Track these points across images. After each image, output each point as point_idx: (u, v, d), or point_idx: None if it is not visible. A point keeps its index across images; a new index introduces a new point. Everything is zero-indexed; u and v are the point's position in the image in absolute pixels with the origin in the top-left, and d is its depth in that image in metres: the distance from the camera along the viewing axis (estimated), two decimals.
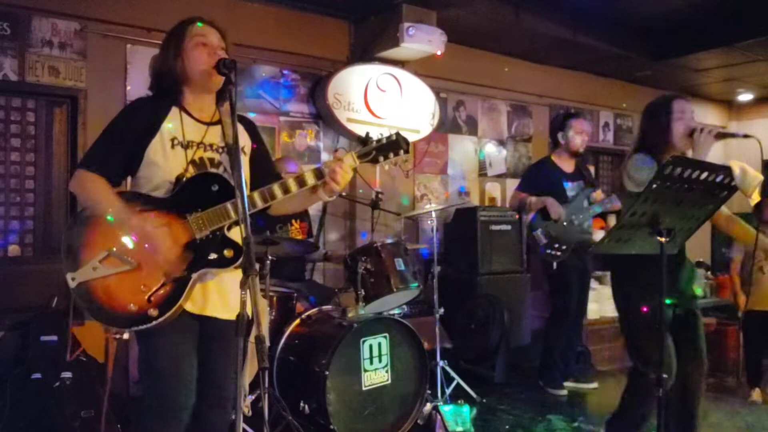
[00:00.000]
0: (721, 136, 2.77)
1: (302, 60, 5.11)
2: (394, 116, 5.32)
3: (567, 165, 4.59)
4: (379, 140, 2.17)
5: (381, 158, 2.17)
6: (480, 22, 5.33)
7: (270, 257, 3.29)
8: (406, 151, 2.20)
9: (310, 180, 2.08)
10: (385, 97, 5.30)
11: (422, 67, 5.52)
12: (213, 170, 2.10)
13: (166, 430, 2.04)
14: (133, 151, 2.05)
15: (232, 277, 2.08)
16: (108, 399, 3.25)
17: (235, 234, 2.04)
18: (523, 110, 6.57)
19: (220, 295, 2.10)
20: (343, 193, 4.77)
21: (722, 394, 4.59)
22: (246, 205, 1.81)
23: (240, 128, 2.20)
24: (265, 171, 2.27)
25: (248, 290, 1.69)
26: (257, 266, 1.82)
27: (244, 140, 2.23)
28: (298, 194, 2.10)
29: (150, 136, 2.04)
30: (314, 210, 4.75)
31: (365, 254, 3.60)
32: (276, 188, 2.06)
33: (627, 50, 6.13)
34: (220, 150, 2.15)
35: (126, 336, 3.40)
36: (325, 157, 5.24)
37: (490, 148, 6.30)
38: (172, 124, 2.08)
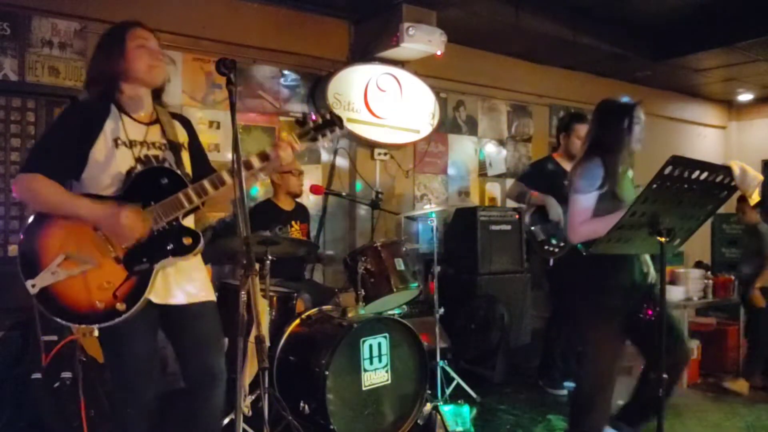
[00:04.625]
0: None
1: (302, 60, 5.11)
2: (394, 116, 5.33)
3: (568, 165, 4.58)
4: (314, 120, 2.31)
5: (319, 136, 2.31)
6: (480, 22, 5.33)
7: (270, 257, 3.29)
8: (341, 128, 2.34)
9: (257, 163, 2.19)
10: (385, 97, 5.29)
11: (422, 67, 5.52)
12: (163, 165, 2.18)
13: (138, 419, 2.15)
14: (77, 153, 2.09)
15: (190, 265, 2.20)
16: (108, 399, 3.25)
17: (189, 221, 2.18)
18: (523, 110, 6.58)
19: (181, 284, 2.17)
20: (343, 193, 4.78)
21: (722, 394, 4.58)
22: (245, 204, 1.84)
23: (177, 125, 2.32)
24: (202, 164, 2.37)
25: (248, 290, 1.71)
26: (257, 266, 1.83)
27: (183, 136, 2.33)
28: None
29: (93, 136, 2.09)
30: (314, 210, 4.75)
31: (365, 254, 3.60)
32: (224, 174, 2.13)
33: (627, 50, 6.13)
34: (163, 147, 2.22)
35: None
36: (324, 157, 5.23)
37: (490, 148, 6.31)
38: (113, 125, 2.13)
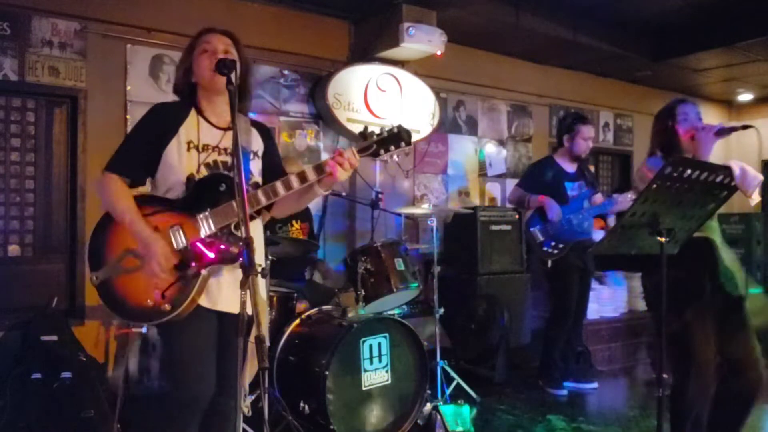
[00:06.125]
0: (721, 132, 2.73)
1: (302, 60, 5.11)
2: (394, 116, 5.32)
3: (569, 165, 4.59)
4: (379, 134, 2.17)
5: (382, 151, 2.17)
6: (480, 22, 5.33)
7: (270, 257, 3.29)
8: (408, 143, 2.18)
9: (312, 176, 2.14)
10: (385, 97, 5.30)
11: (422, 67, 5.52)
12: (225, 172, 2.18)
13: (183, 418, 2.13)
14: (153, 154, 2.16)
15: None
16: (117, 400, 3.26)
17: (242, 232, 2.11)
18: (523, 110, 6.58)
19: (232, 291, 2.14)
20: (343, 193, 4.78)
21: None
22: (246, 204, 1.85)
23: (254, 132, 2.33)
24: (275, 174, 2.32)
25: (248, 290, 1.71)
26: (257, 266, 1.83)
27: (258, 144, 2.33)
28: (297, 191, 2.16)
29: (168, 139, 2.15)
30: (314, 210, 4.75)
31: (365, 254, 3.60)
32: (278, 185, 2.13)
33: (627, 50, 6.13)
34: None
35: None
36: (325, 157, 5.23)
37: (490, 148, 6.31)
38: (189, 129, 2.18)
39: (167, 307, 2.05)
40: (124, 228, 2.11)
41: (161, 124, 2.17)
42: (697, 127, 2.77)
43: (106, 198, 2.14)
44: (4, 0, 3.92)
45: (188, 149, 2.15)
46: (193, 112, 2.20)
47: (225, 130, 2.23)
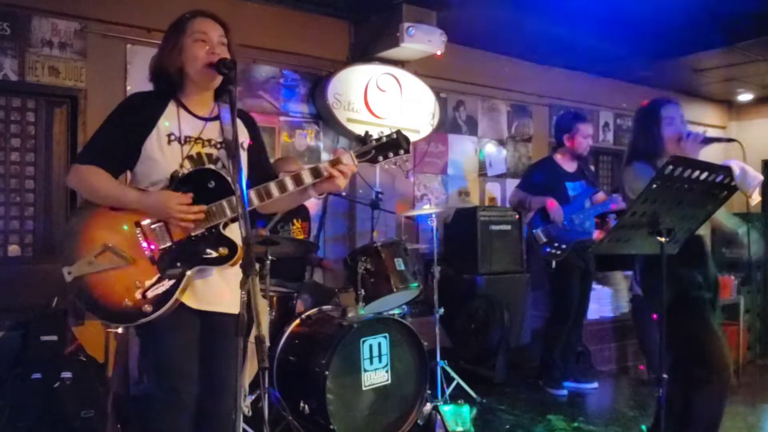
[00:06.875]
0: (707, 141, 2.78)
1: (302, 60, 5.11)
2: (394, 116, 5.32)
3: (569, 165, 4.59)
4: (378, 139, 2.13)
5: (380, 158, 2.14)
6: (480, 22, 5.33)
7: (270, 257, 3.30)
8: (407, 151, 2.16)
9: (307, 179, 2.09)
10: (385, 97, 5.29)
11: (422, 67, 5.52)
12: (210, 166, 2.09)
13: (172, 420, 2.06)
14: (130, 147, 2.06)
15: (233, 272, 2.06)
16: (108, 399, 3.25)
17: (231, 232, 2.04)
18: (523, 110, 6.57)
19: (220, 291, 2.10)
20: (343, 193, 4.78)
21: None
22: (246, 203, 1.81)
23: (239, 123, 2.20)
24: (261, 167, 2.27)
25: (248, 290, 1.69)
26: (257, 266, 1.81)
27: (243, 136, 2.23)
28: (291, 192, 2.10)
29: (147, 131, 2.04)
30: (314, 210, 4.75)
31: (365, 254, 3.60)
32: (273, 186, 2.06)
33: (627, 50, 6.13)
34: (218, 146, 2.13)
35: (120, 330, 3.40)
36: (325, 157, 5.23)
37: (490, 148, 6.30)
38: (168, 120, 2.07)
39: (148, 308, 1.96)
40: (104, 220, 2.01)
41: (139, 115, 2.06)
42: (682, 135, 2.78)
43: (88, 185, 2.04)
44: (4, 0, 3.92)
45: (169, 142, 2.05)
46: (171, 104, 2.09)
47: (207, 120, 2.13)
